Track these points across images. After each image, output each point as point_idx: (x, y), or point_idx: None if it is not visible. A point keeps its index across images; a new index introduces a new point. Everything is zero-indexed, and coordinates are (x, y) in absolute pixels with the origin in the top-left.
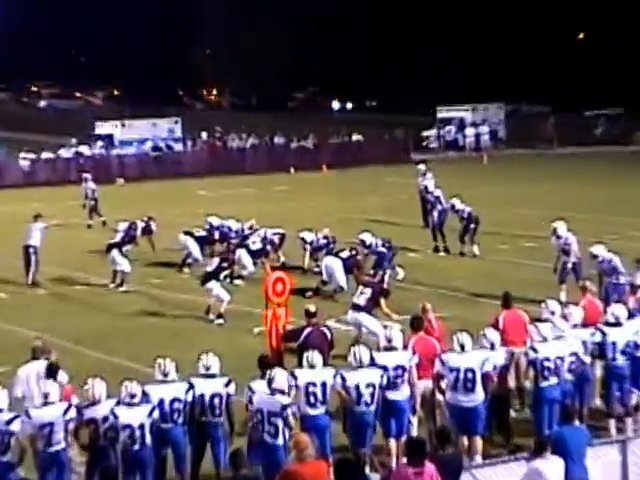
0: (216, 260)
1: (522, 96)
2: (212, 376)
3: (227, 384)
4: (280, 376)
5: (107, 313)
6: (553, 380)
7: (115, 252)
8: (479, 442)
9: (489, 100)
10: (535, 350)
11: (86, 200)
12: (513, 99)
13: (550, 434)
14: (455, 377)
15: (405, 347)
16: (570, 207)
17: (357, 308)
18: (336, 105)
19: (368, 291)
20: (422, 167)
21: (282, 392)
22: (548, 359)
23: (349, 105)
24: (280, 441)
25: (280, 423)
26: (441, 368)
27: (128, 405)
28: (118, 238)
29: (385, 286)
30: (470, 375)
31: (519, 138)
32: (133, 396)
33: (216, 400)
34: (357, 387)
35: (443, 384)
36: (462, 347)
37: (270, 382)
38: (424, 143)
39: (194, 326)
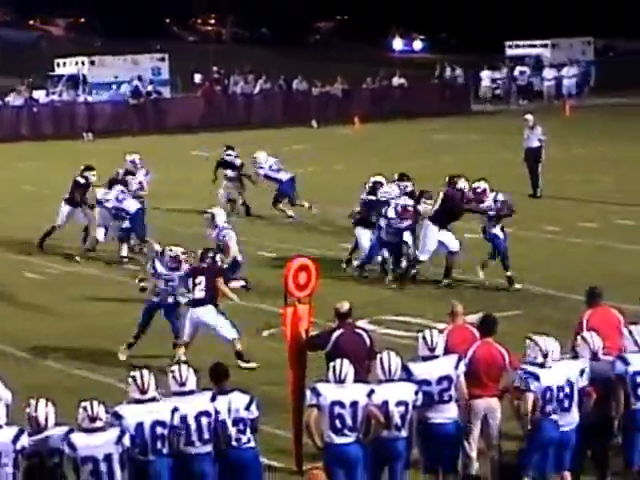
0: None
1: (617, 29)
2: (190, 393)
3: (213, 398)
4: None
5: (69, 310)
6: None
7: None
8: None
9: (574, 34)
10: (625, 361)
11: None
12: (605, 33)
13: None
14: (549, 394)
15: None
16: None
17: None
18: (398, 44)
19: None
20: (530, 117)
21: None
22: None
23: (418, 44)
24: None
25: None
26: (525, 382)
27: (88, 431)
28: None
29: None
30: (568, 390)
31: (613, 83)
32: (94, 419)
33: (203, 420)
34: (385, 405)
35: (527, 403)
36: (545, 356)
37: None
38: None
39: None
